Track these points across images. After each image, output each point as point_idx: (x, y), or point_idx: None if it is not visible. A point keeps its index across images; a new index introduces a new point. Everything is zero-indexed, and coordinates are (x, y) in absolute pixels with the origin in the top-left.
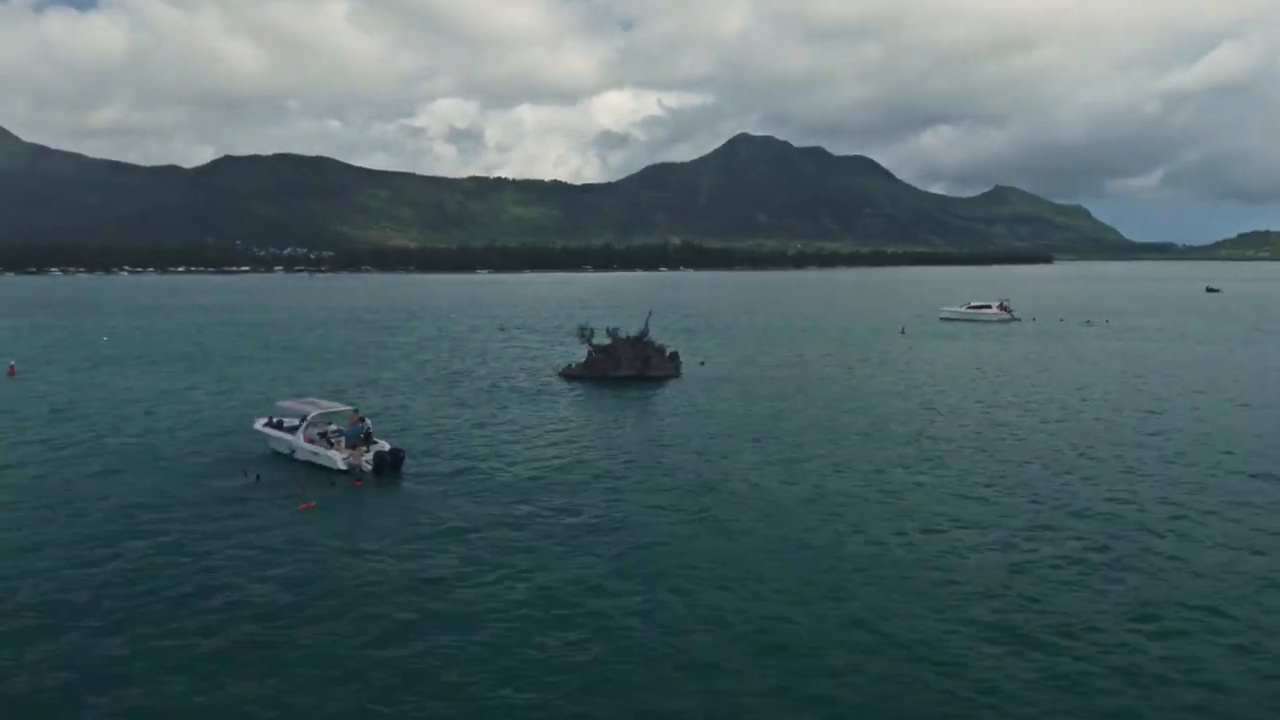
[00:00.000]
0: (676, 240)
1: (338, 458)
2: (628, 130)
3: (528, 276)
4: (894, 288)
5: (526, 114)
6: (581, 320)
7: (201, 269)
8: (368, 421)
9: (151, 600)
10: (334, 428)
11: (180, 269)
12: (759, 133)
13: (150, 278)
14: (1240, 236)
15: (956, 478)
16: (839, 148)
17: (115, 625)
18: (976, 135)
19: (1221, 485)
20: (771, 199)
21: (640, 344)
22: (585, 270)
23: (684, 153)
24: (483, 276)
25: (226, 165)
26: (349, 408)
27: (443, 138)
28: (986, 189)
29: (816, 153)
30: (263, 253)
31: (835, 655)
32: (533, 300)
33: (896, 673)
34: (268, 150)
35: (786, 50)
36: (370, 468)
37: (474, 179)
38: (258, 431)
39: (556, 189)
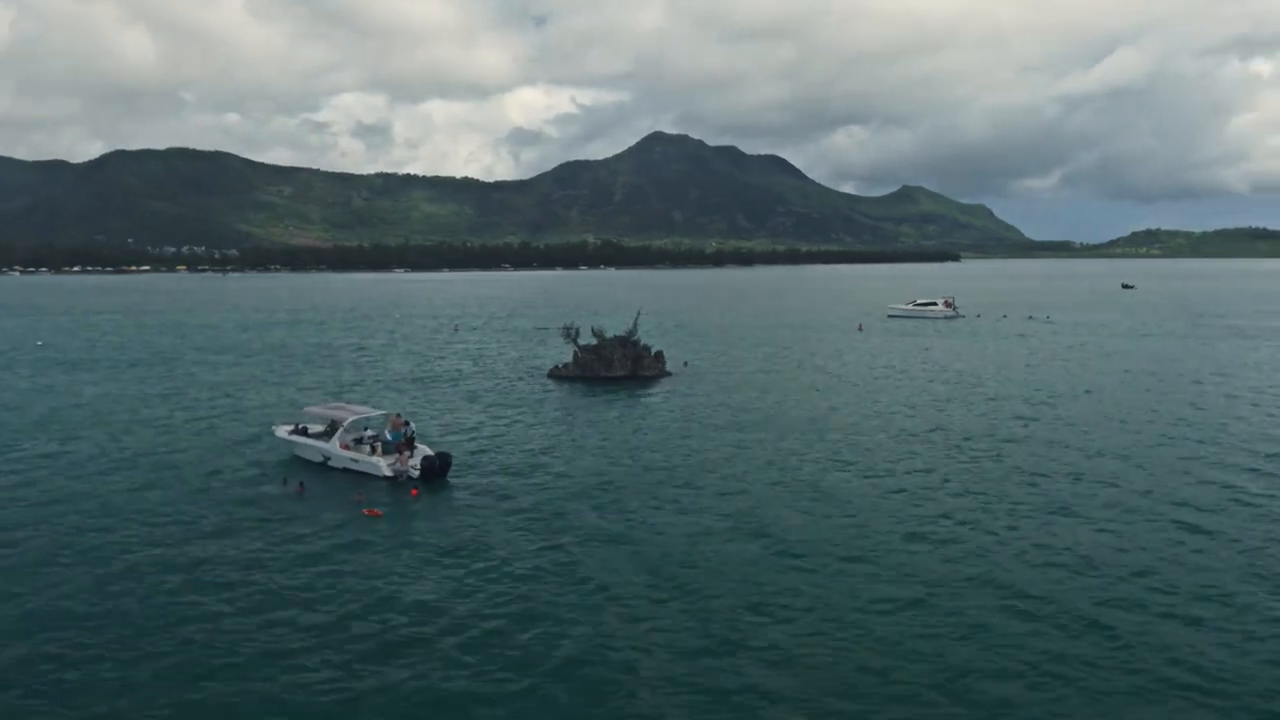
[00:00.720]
0: (591, 238)
1: (382, 464)
2: (541, 127)
3: (446, 275)
4: (823, 285)
5: (437, 109)
6: (547, 321)
7: (99, 269)
8: (411, 425)
9: (276, 637)
10: (370, 433)
11: (76, 269)
12: (673, 131)
13: (45, 278)
14: (1133, 235)
15: (1022, 469)
16: (752, 147)
17: (258, 665)
18: (885, 136)
19: None
20: (686, 197)
21: (630, 344)
22: (504, 269)
23: (598, 150)
24: (400, 275)
25: (118, 160)
26: (383, 412)
27: (349, 133)
28: (894, 188)
29: (730, 152)
30: (157, 251)
31: (1024, 646)
32: (473, 300)
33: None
34: (162, 144)
35: (701, 49)
36: (418, 473)
37: (382, 175)
38: (283, 439)
39: (468, 186)
